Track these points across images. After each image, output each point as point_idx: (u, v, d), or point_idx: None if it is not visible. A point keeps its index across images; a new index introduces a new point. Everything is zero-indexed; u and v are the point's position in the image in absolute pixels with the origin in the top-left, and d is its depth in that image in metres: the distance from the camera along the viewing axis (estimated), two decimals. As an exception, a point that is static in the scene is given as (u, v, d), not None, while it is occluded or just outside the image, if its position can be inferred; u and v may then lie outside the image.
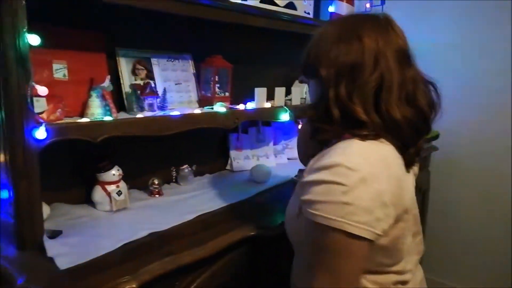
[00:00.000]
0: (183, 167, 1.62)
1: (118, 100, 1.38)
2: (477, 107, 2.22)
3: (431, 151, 2.39)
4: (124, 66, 1.39)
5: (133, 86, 1.36)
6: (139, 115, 1.27)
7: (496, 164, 2.24)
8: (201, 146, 1.76)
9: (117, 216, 1.29)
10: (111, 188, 1.32)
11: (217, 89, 1.57)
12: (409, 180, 0.85)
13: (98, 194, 1.32)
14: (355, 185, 0.70)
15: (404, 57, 0.81)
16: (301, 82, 1.93)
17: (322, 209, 0.71)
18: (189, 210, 1.33)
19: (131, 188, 1.49)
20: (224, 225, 1.24)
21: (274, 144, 2.04)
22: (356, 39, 0.79)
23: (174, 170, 1.62)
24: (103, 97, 1.21)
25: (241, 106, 1.60)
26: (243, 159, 1.88)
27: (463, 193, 2.39)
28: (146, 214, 1.31)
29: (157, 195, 1.48)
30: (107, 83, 1.24)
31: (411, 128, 0.80)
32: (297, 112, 1.81)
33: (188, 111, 1.41)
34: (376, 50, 0.78)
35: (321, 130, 0.84)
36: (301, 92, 1.90)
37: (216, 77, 1.55)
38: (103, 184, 1.32)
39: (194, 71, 1.61)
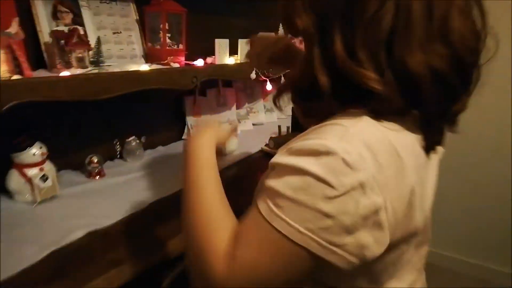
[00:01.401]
0: (130, 139, 1.31)
1: (34, 53, 1.03)
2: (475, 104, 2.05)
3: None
4: (41, 7, 1.02)
5: (54, 34, 1.00)
6: (65, 73, 0.93)
7: (491, 162, 2.09)
8: (150, 112, 1.45)
9: (42, 209, 0.97)
10: (33, 172, 0.99)
11: (168, 40, 1.25)
12: (428, 177, 0.58)
13: (14, 180, 0.99)
14: (347, 191, 0.46)
15: None
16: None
17: (288, 210, 0.48)
18: (138, 197, 1.05)
19: (61, 169, 1.17)
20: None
21: (237, 108, 1.77)
22: None
23: (117, 143, 1.30)
24: (9, 49, 0.85)
25: (199, 62, 1.30)
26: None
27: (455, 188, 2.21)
28: (83, 204, 1.01)
29: (97, 177, 1.17)
30: (14, 28, 0.88)
31: (440, 85, 0.49)
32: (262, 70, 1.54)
33: (132, 67, 1.09)
34: None
35: (309, 109, 0.59)
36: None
37: (166, 24, 1.22)
38: (21, 167, 0.99)
39: (137, 17, 1.26)
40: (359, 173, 0.46)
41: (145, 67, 1.10)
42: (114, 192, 1.08)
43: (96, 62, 1.04)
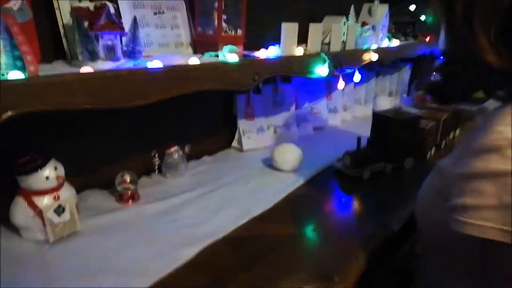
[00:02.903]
0: (171, 149, 1.04)
1: (50, 39, 0.76)
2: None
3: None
4: (60, -25, 0.75)
5: (76, 13, 0.73)
6: (86, 68, 0.65)
7: None
8: (194, 114, 1.17)
9: (56, 252, 0.71)
10: (44, 201, 0.73)
11: (224, 24, 0.95)
12: None
13: (20, 212, 0.73)
14: None
15: None
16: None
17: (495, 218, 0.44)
18: (188, 235, 0.77)
19: (85, 189, 0.91)
20: (268, 263, 0.69)
21: (296, 108, 1.46)
22: None
23: (156, 155, 1.03)
24: (8, 33, 0.58)
25: (261, 53, 0.99)
26: (255, 132, 1.30)
27: None
28: (112, 246, 0.74)
29: (129, 201, 0.90)
30: (17, 4, 0.62)
31: None
32: (337, 62, 1.22)
33: (177, 60, 0.81)
34: None
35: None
36: (340, 30, 1.29)
37: (223, 3, 0.93)
38: (29, 194, 0.73)
39: (185, -6, 0.98)
40: None
41: (194, 60, 0.81)
42: (152, 228, 0.81)
43: (132, 53, 0.76)
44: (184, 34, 0.97)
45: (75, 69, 0.67)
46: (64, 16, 0.74)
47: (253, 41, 1.05)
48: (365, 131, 1.22)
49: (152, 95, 0.71)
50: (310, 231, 0.84)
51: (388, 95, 1.96)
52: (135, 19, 0.76)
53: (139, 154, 1.01)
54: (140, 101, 0.69)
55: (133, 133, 1.01)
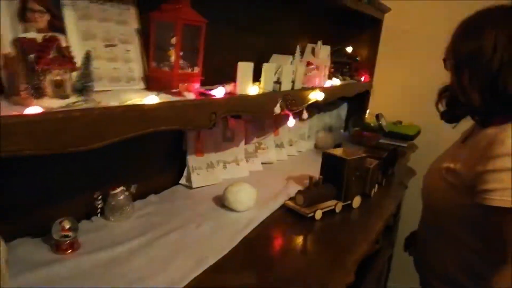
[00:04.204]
0: (116, 191, 0.95)
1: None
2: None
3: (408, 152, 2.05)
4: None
5: (20, 44, 0.64)
6: (31, 109, 0.58)
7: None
8: (142, 151, 1.09)
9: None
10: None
11: (181, 61, 0.91)
12: None
13: None
14: None
15: None
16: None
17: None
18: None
19: (17, 237, 0.80)
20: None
21: (246, 143, 1.44)
22: None
23: (99, 196, 0.94)
24: None
25: (218, 91, 0.97)
26: (205, 169, 1.25)
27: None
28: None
29: (68, 251, 0.80)
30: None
31: None
32: (289, 101, 1.23)
33: (130, 96, 0.75)
34: None
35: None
36: (290, 70, 1.31)
37: (180, 38, 0.89)
38: None
39: (139, 26, 0.92)
40: None
41: (152, 98, 0.76)
42: (96, 284, 0.72)
43: (83, 90, 0.69)
44: (137, 68, 0.92)
45: (16, 108, 0.59)
46: (3, 45, 0.66)
47: (209, 79, 1.02)
48: (311, 166, 1.25)
49: (108, 137, 0.65)
50: (268, 282, 0.80)
51: (328, 130, 2.04)
52: (88, 54, 0.70)
53: (79, 195, 0.92)
54: (95, 144, 0.63)
55: (72, 171, 0.91)
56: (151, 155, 1.13)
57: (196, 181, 1.21)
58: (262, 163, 1.50)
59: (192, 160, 1.22)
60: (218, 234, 0.96)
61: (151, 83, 0.92)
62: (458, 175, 0.87)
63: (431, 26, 2.24)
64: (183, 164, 1.23)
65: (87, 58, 0.70)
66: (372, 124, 2.10)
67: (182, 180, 1.23)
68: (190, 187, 1.21)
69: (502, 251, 0.84)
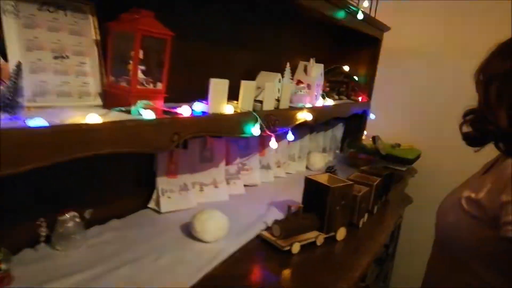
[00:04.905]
0: (64, 216, 0.86)
1: None
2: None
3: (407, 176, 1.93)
4: None
5: None
6: None
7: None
8: (103, 171, 1.00)
9: None
10: None
11: (140, 75, 0.83)
12: None
13: None
14: None
15: None
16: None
17: None
18: None
19: None
20: None
21: (227, 164, 1.35)
22: None
23: (43, 222, 0.84)
24: None
25: (184, 110, 0.88)
26: (177, 192, 1.16)
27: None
28: None
29: (-2, 288, 0.71)
30: None
31: None
32: (269, 121, 1.14)
33: (70, 115, 0.67)
34: None
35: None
36: (273, 89, 1.22)
37: (141, 51, 0.81)
38: None
39: (97, 37, 0.84)
40: None
41: (94, 117, 0.67)
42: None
43: (11, 106, 0.61)
44: (93, 82, 0.83)
45: None
46: None
47: (178, 95, 0.94)
48: (299, 190, 1.14)
49: (27, 162, 0.55)
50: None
51: (321, 151, 1.94)
52: (19, 66, 0.61)
53: (21, 220, 0.82)
54: (16, 168, 0.54)
55: (16, 192, 0.82)
56: (115, 176, 1.04)
57: (165, 205, 1.11)
58: (245, 185, 1.40)
59: (161, 182, 1.12)
60: (178, 269, 0.85)
61: (108, 99, 0.84)
62: (480, 205, 0.79)
63: (432, 45, 2.15)
64: (152, 187, 1.14)
65: (18, 70, 0.62)
66: (368, 146, 2.00)
67: (151, 204, 1.13)
68: (158, 212, 1.11)
69: None
